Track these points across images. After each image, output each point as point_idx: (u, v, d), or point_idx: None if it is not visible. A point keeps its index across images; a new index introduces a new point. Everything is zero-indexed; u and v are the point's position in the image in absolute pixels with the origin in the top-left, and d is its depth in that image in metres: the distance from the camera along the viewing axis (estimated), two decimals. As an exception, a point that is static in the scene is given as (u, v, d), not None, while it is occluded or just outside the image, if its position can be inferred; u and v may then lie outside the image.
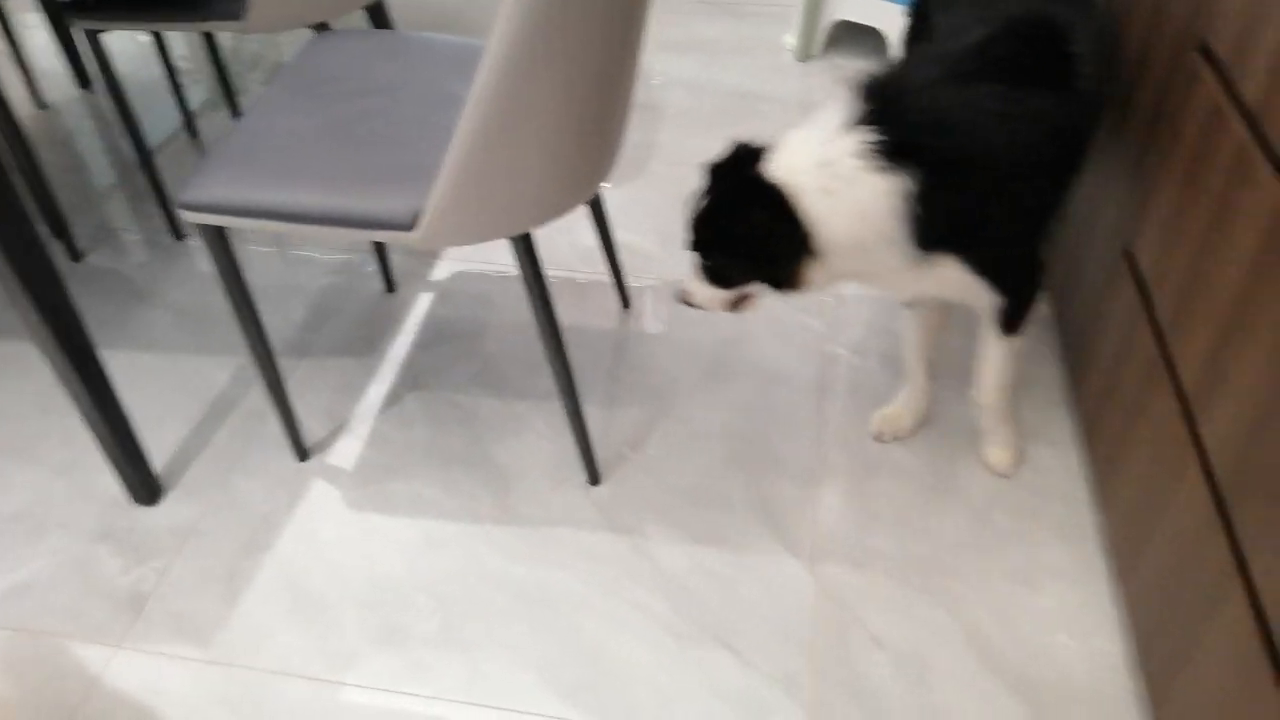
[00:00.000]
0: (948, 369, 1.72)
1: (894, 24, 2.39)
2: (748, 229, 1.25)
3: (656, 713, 1.26)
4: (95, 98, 2.53)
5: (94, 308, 1.88)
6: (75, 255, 2.01)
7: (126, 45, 2.72)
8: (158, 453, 1.59)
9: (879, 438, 1.61)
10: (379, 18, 1.83)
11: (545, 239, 1.97)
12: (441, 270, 1.96)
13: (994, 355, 1.45)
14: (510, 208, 1.25)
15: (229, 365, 1.76)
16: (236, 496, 1.53)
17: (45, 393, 1.70)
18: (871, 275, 1.32)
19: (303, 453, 1.59)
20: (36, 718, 1.26)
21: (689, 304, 1.37)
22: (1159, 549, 1.16)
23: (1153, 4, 1.34)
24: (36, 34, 2.73)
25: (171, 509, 1.52)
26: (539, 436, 1.62)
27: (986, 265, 1.29)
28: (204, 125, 2.40)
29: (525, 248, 1.32)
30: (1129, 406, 1.30)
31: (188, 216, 1.29)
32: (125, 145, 2.36)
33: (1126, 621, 1.35)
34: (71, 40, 2.49)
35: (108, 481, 1.54)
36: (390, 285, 1.92)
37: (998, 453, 1.56)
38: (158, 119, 2.43)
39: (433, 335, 1.82)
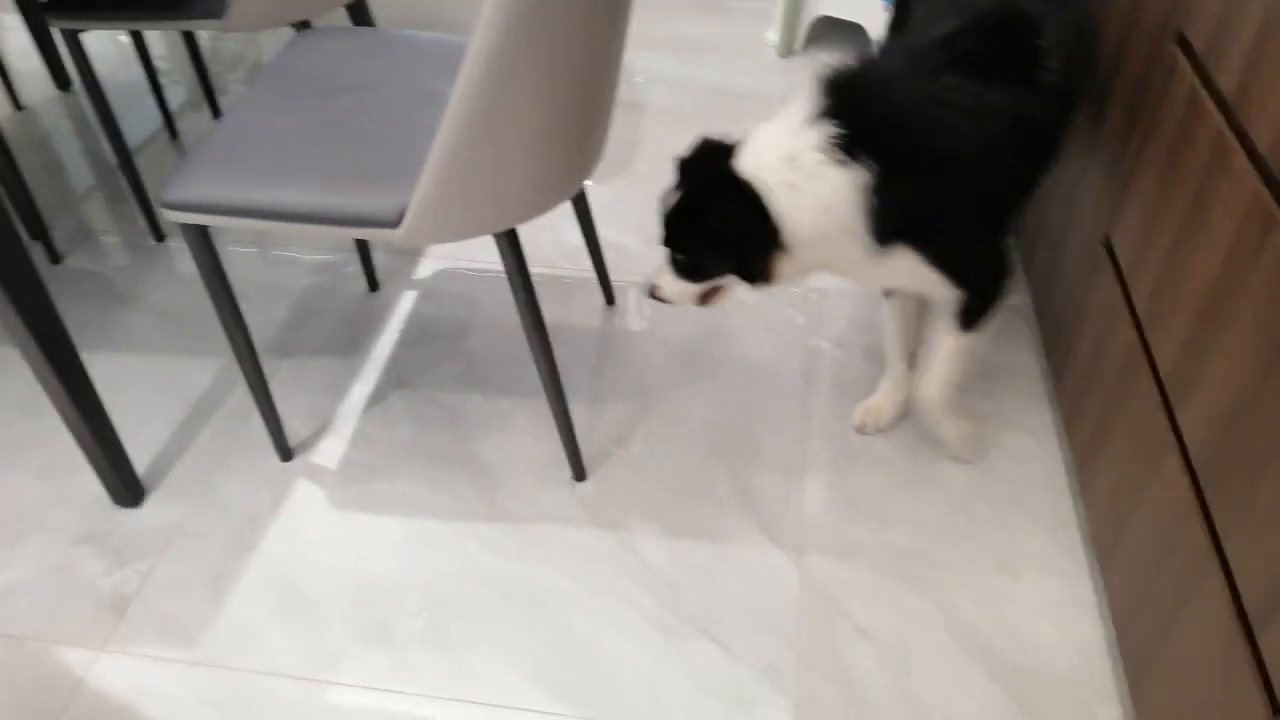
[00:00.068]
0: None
1: (875, 18, 2.40)
2: (719, 223, 1.27)
3: (644, 706, 1.27)
4: (73, 99, 2.51)
5: (74, 310, 1.87)
6: (55, 257, 1.99)
7: (105, 46, 2.70)
8: (140, 455, 1.58)
9: (861, 429, 1.62)
10: (360, 15, 1.82)
11: (529, 237, 1.97)
12: (424, 269, 1.96)
13: (945, 349, 1.45)
14: (495, 204, 1.25)
15: (211, 366, 1.75)
16: (220, 497, 1.53)
17: (24, 396, 1.69)
18: (837, 267, 1.34)
19: (287, 453, 1.59)
20: (21, 721, 1.25)
21: (659, 299, 1.39)
22: (1138, 534, 1.17)
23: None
24: (13, 35, 2.71)
25: (155, 511, 1.51)
26: (524, 434, 1.62)
27: (943, 258, 1.30)
28: (184, 126, 2.39)
29: (510, 244, 1.32)
30: (1108, 394, 1.31)
31: (170, 216, 1.28)
32: (104, 147, 2.34)
33: (1106, 608, 1.36)
34: (50, 41, 2.47)
35: (89, 484, 1.53)
36: (373, 284, 1.91)
37: (957, 445, 1.57)
38: (137, 120, 2.41)
39: (416, 334, 1.81)
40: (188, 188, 1.27)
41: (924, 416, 1.55)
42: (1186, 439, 1.07)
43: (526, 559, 1.44)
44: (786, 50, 2.59)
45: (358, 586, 1.40)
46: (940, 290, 1.36)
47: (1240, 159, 1.00)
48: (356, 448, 1.60)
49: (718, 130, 1.33)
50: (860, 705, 1.27)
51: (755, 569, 1.42)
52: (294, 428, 1.63)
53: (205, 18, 1.72)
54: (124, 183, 2.20)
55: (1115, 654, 1.31)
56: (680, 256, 1.33)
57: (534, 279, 1.38)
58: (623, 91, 2.44)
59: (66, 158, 2.31)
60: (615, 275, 1.88)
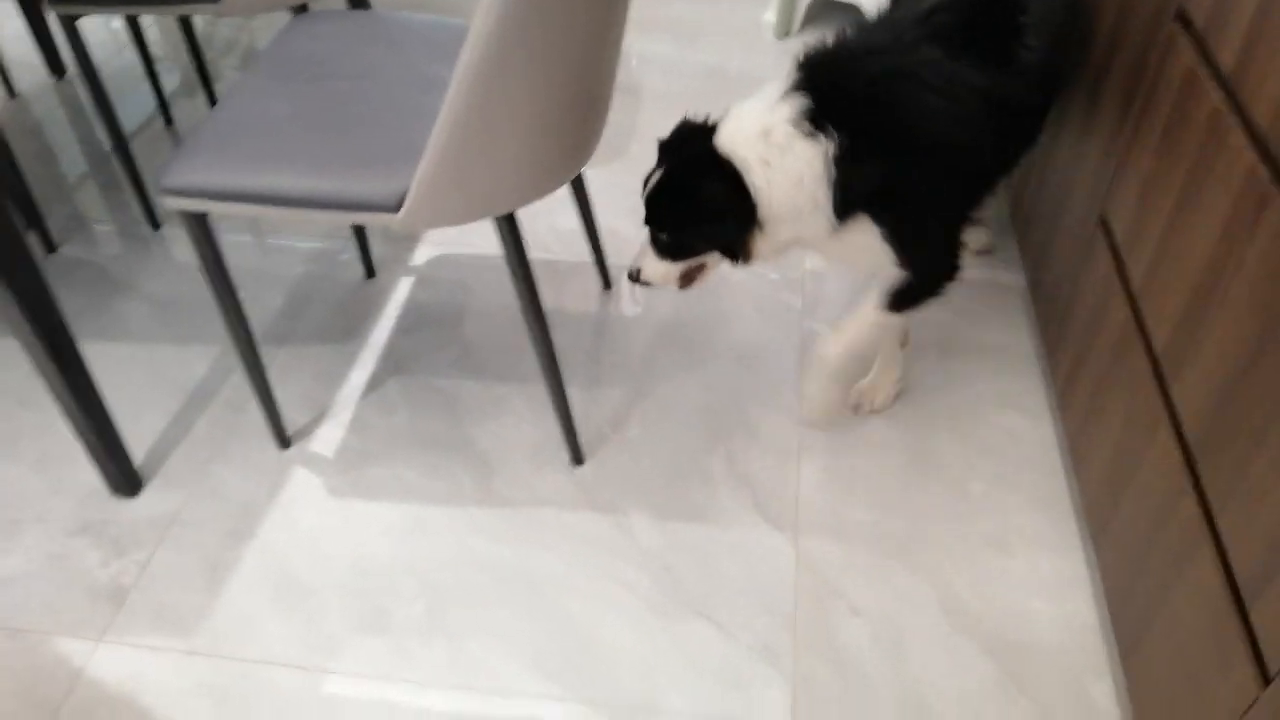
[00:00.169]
0: (924, 342, 1.73)
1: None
2: (701, 200, 1.29)
3: (641, 688, 1.27)
4: (66, 86, 2.50)
5: (69, 299, 1.87)
6: (50, 246, 1.99)
7: (99, 32, 2.69)
8: (136, 444, 1.59)
9: (856, 410, 1.62)
10: (356, -2, 1.81)
11: (525, 222, 1.96)
12: (420, 255, 1.96)
13: (863, 319, 1.45)
14: (494, 188, 1.24)
15: (207, 355, 1.75)
16: (217, 486, 1.53)
17: (20, 387, 1.69)
18: (807, 241, 1.35)
19: (284, 440, 1.59)
20: (20, 714, 1.26)
21: (641, 282, 1.40)
22: (1131, 509, 1.17)
23: (1128, -28, 1.34)
24: (7, 22, 2.70)
25: (152, 500, 1.51)
26: (520, 419, 1.62)
27: (898, 233, 1.31)
28: (178, 112, 2.38)
29: (509, 228, 1.32)
30: (1102, 371, 1.31)
31: (169, 202, 1.27)
32: (98, 134, 2.34)
33: (1099, 584, 1.36)
34: (44, 28, 2.46)
35: (85, 475, 1.53)
36: (370, 271, 1.91)
37: (810, 403, 1.57)
38: (131, 107, 2.40)
39: (413, 320, 1.81)
40: (186, 174, 1.26)
41: (812, 368, 1.55)
42: (1180, 414, 1.07)
43: (523, 544, 1.44)
44: (784, 31, 2.58)
45: (355, 574, 1.41)
46: (886, 267, 1.37)
47: (1238, 136, 0.99)
48: (354, 434, 1.61)
49: (708, 112, 1.33)
50: (856, 683, 1.27)
51: (751, 550, 1.42)
52: (291, 415, 1.63)
53: (202, 2, 1.71)
54: (119, 170, 2.20)
55: (1108, 629, 1.32)
56: (663, 236, 1.35)
57: (530, 264, 1.38)
58: (619, 75, 2.42)
59: (61, 146, 2.31)
60: (611, 260, 1.87)
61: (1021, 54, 1.31)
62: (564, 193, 1.71)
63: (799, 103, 1.24)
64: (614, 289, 1.86)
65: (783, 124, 1.24)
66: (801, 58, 1.28)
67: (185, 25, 2.29)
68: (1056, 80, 1.48)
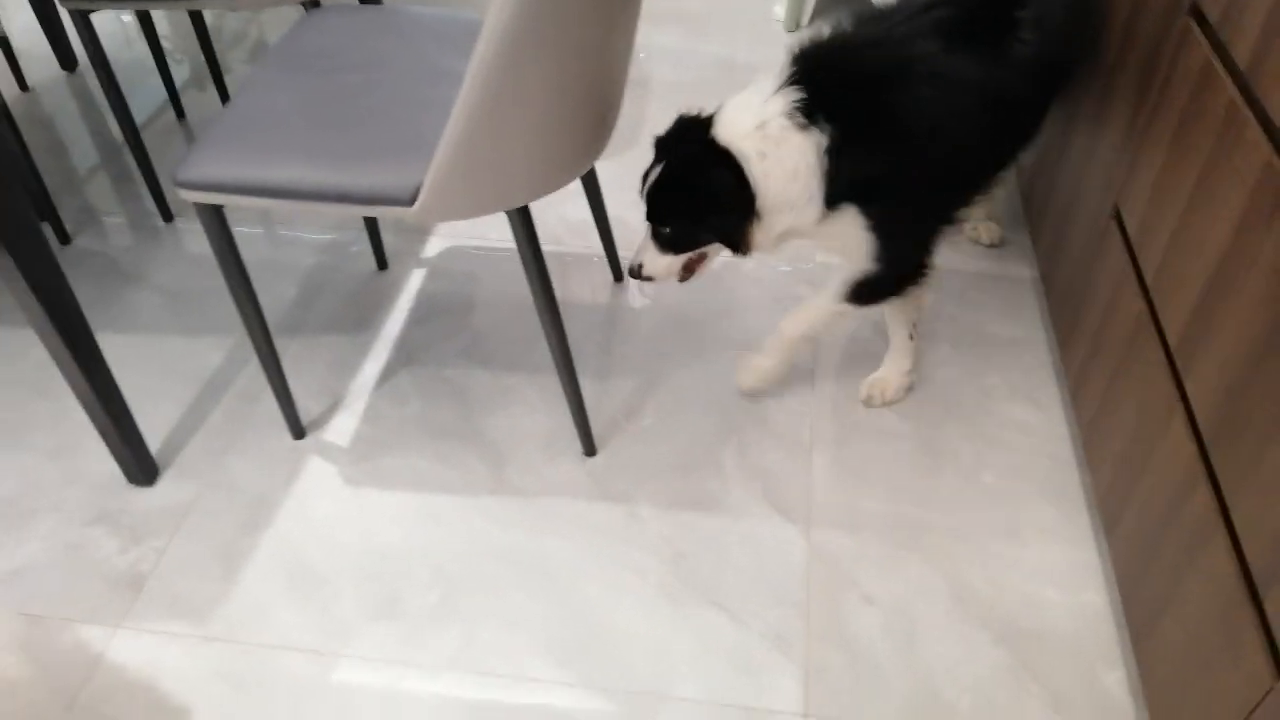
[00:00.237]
0: (935, 334, 1.74)
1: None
2: (707, 192, 1.31)
3: (654, 675, 1.28)
4: (77, 80, 2.51)
5: (83, 290, 1.84)
6: (63, 238, 2.00)
7: (109, 25, 2.70)
8: (152, 434, 1.59)
9: (868, 403, 1.62)
10: (367, -8, 1.81)
11: (535, 213, 1.97)
12: (432, 247, 1.97)
13: (822, 305, 1.48)
14: (508, 181, 1.25)
15: (220, 346, 1.76)
16: (233, 475, 1.54)
17: (33, 376, 1.70)
18: (801, 231, 1.37)
19: (299, 431, 1.60)
20: (42, 698, 1.27)
21: (643, 277, 1.42)
22: (1143, 500, 1.18)
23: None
24: (18, 15, 2.70)
25: (167, 490, 1.52)
26: (532, 409, 1.63)
27: (878, 224, 1.34)
28: (189, 105, 2.39)
29: (522, 221, 1.32)
30: (1115, 363, 1.31)
31: (186, 195, 1.28)
32: (110, 127, 2.34)
33: (1111, 573, 1.37)
34: (56, 21, 2.46)
35: (99, 464, 1.54)
36: (382, 263, 1.92)
37: (755, 372, 1.59)
38: (141, 100, 2.41)
39: (425, 311, 1.82)
40: (202, 167, 1.27)
41: (772, 338, 1.57)
42: (1194, 406, 1.07)
43: (536, 532, 1.45)
44: (794, 24, 2.58)
45: (369, 561, 1.42)
46: (859, 258, 1.39)
47: (1253, 130, 0.99)
48: (367, 424, 1.61)
49: (701, 107, 1.35)
50: (869, 671, 1.28)
51: (763, 540, 1.43)
52: (305, 405, 1.64)
53: (215, -5, 1.72)
54: (131, 163, 2.21)
55: (1120, 618, 1.32)
56: (666, 230, 1.37)
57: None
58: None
59: (73, 138, 2.32)
60: (622, 251, 1.88)
61: (1017, 49, 1.33)
62: (574, 184, 1.71)
63: (793, 96, 1.26)
64: (624, 280, 1.87)
65: (778, 117, 1.27)
66: (796, 51, 1.31)
67: (196, 18, 2.30)
68: (1056, 77, 1.49)
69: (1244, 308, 0.98)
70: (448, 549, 1.43)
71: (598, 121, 1.32)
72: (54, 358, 1.36)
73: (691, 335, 1.76)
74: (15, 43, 2.55)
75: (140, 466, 1.51)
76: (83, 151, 2.27)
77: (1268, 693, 0.89)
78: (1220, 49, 1.10)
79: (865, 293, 1.44)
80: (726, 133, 1.29)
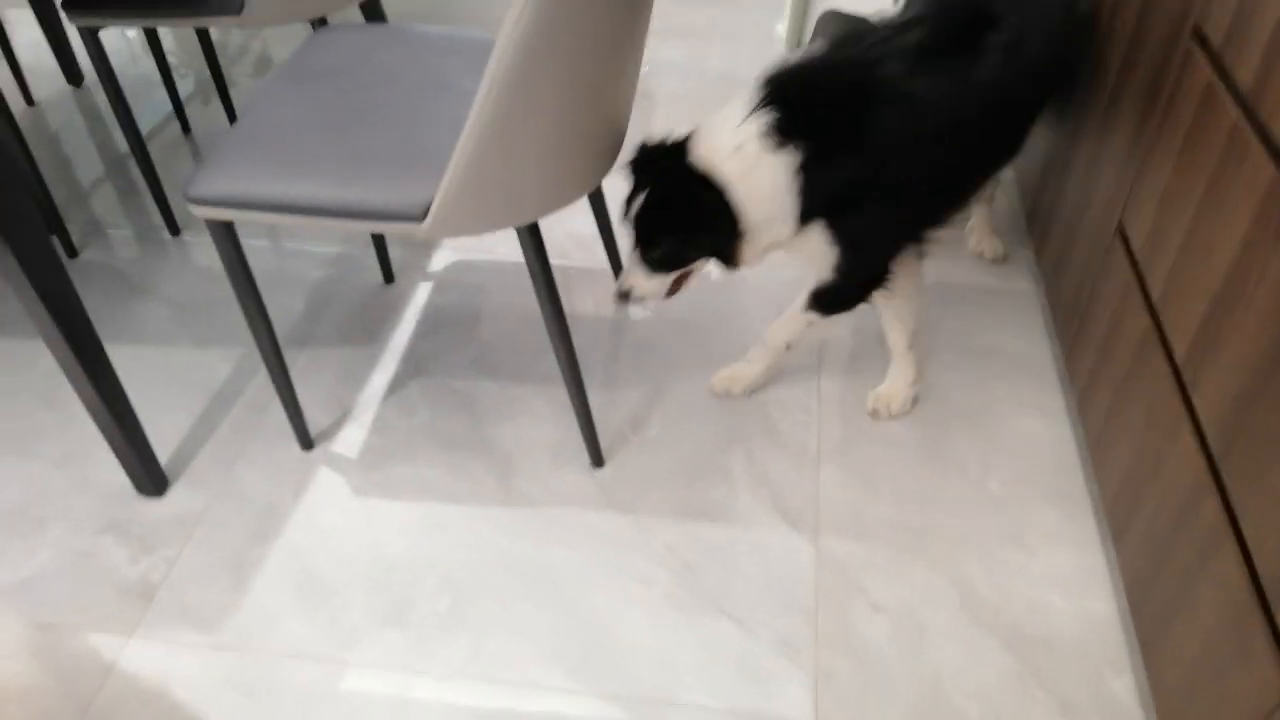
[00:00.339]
0: (941, 346, 1.75)
1: (882, 11, 2.40)
2: (698, 214, 1.35)
3: (661, 682, 1.29)
4: (83, 94, 2.53)
5: (91, 303, 1.87)
6: (71, 251, 2.01)
7: (114, 40, 2.72)
8: (161, 445, 1.60)
9: (874, 416, 1.64)
10: (373, 11, 1.83)
11: (543, 228, 1.99)
12: (438, 260, 1.98)
13: (793, 315, 1.54)
14: (520, 198, 1.26)
15: (228, 358, 1.77)
16: (242, 486, 1.55)
17: (41, 386, 1.71)
18: (781, 245, 1.42)
19: (308, 442, 1.60)
20: (55, 706, 1.27)
21: (630, 298, 1.46)
22: (1151, 510, 1.19)
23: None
24: (23, 30, 2.72)
25: (176, 500, 1.53)
26: (540, 419, 1.64)
27: (842, 237, 1.38)
28: (194, 119, 2.40)
29: (531, 237, 1.34)
30: (1122, 377, 1.32)
31: (196, 211, 1.29)
32: (115, 142, 2.36)
33: (1118, 581, 1.38)
34: (62, 36, 2.48)
35: (108, 474, 1.55)
36: (389, 276, 1.93)
37: (737, 378, 1.66)
38: (146, 114, 2.43)
39: (432, 323, 1.83)
40: (213, 183, 1.28)
41: (756, 348, 1.63)
42: (1202, 420, 1.08)
43: (544, 542, 1.46)
44: (795, 42, 2.60)
45: (377, 571, 1.42)
46: (822, 270, 1.44)
47: (1258, 150, 1.01)
48: (376, 435, 1.62)
49: (658, 131, 1.40)
50: (877, 678, 1.29)
51: (771, 548, 1.44)
52: (313, 416, 1.65)
53: (223, 13, 1.73)
54: (137, 176, 2.22)
55: (1128, 625, 1.33)
56: (656, 252, 1.40)
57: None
58: (630, 82, 2.45)
59: (79, 152, 2.33)
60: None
61: (986, 72, 1.35)
62: (584, 197, 1.73)
63: (766, 118, 1.30)
64: (630, 293, 1.88)
65: (752, 140, 1.31)
66: (767, 74, 1.35)
67: (202, 34, 2.32)
68: (1029, 102, 1.52)
69: (1252, 324, 0.99)
70: (456, 558, 1.44)
71: (607, 137, 1.34)
72: (63, 367, 1.37)
73: (697, 345, 1.77)
74: (21, 58, 2.57)
75: (150, 477, 1.52)
76: (89, 165, 2.29)
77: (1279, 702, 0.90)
78: (1223, 71, 1.12)
79: (827, 302, 1.50)
80: (707, 156, 1.33)
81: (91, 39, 1.82)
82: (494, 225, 1.28)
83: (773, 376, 1.68)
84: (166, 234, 2.06)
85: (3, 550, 1.46)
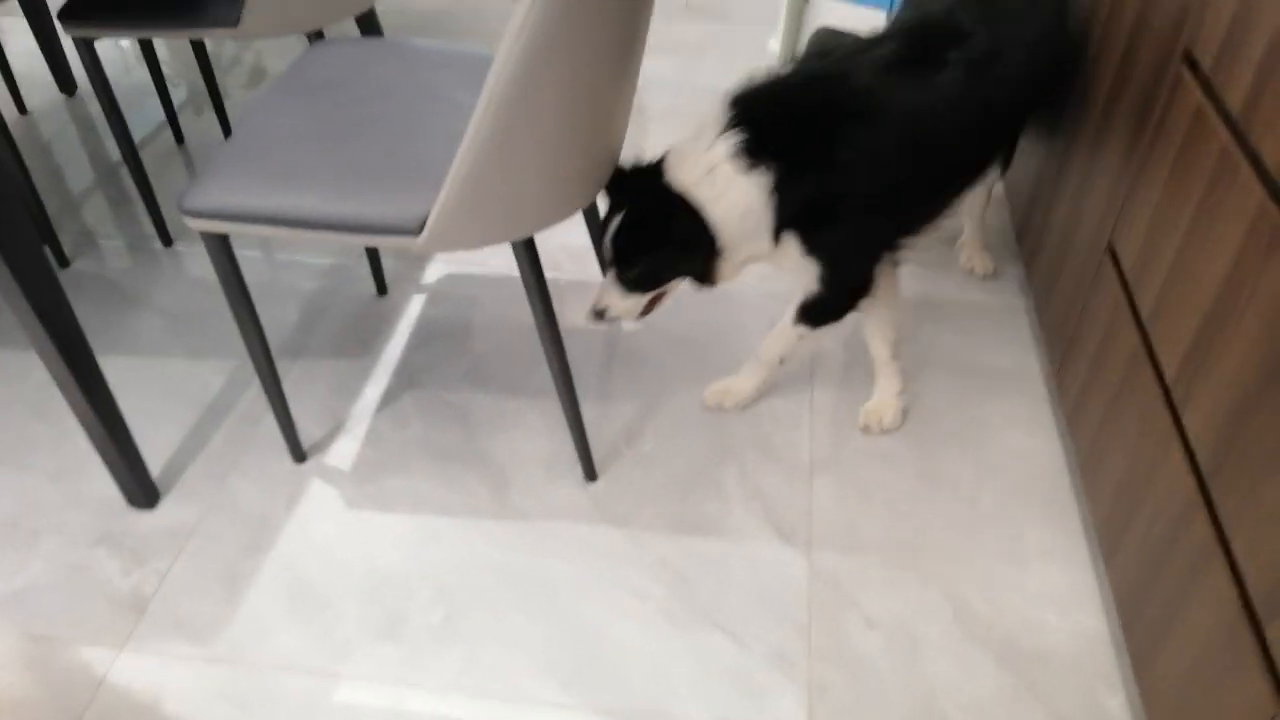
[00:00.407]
0: (931, 362, 1.76)
1: (875, 28, 2.42)
2: (674, 236, 1.37)
3: (656, 696, 1.29)
4: (76, 103, 2.52)
5: (83, 314, 1.88)
6: (62, 261, 2.01)
7: (109, 51, 2.72)
8: (153, 457, 1.60)
9: (866, 431, 1.65)
10: (368, 26, 1.84)
11: (537, 242, 1.99)
12: (431, 273, 1.98)
13: (781, 329, 1.56)
14: (517, 212, 1.27)
15: (221, 369, 1.77)
16: (234, 498, 1.54)
17: (33, 398, 1.70)
18: (759, 258, 1.44)
19: (300, 454, 1.60)
20: (47, 718, 1.26)
21: (605, 317, 1.47)
22: (1142, 528, 1.20)
23: (1136, 15, 1.38)
24: (16, 39, 2.72)
25: (169, 512, 1.52)
26: (534, 432, 1.64)
27: (817, 249, 1.41)
28: (188, 130, 2.40)
29: (527, 251, 1.34)
30: (1112, 395, 1.33)
31: (192, 223, 1.29)
32: (108, 152, 2.36)
33: (1110, 597, 1.39)
34: (56, 46, 2.48)
35: (100, 486, 1.54)
36: (382, 288, 1.93)
37: (729, 393, 1.67)
38: (139, 124, 2.43)
39: (425, 336, 1.83)
40: (209, 195, 1.28)
41: (750, 363, 1.65)
42: (1191, 440, 1.09)
43: (538, 554, 1.46)
44: (788, 58, 2.62)
45: (371, 583, 1.42)
46: (805, 281, 1.46)
47: (1247, 173, 1.02)
48: (369, 447, 1.62)
49: (637, 154, 1.42)
50: (870, 692, 1.29)
51: (764, 562, 1.44)
52: (306, 428, 1.65)
53: (219, 25, 1.74)
54: (130, 186, 2.22)
55: (1119, 642, 1.34)
56: (631, 273, 1.42)
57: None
58: (624, 96, 2.46)
59: (72, 162, 2.33)
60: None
61: (951, 88, 1.37)
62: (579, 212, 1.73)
63: (735, 139, 1.33)
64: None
65: (723, 162, 1.33)
66: (733, 95, 1.37)
67: (197, 45, 2.32)
68: (1004, 119, 1.54)
69: (1242, 345, 1.00)
70: (449, 571, 1.44)
71: (604, 151, 1.34)
72: (55, 379, 1.36)
73: (690, 358, 1.78)
74: (15, 66, 2.57)
75: (141, 489, 1.51)
76: (81, 175, 2.28)
77: (1271, 719, 0.91)
78: (1213, 95, 1.13)
79: (815, 314, 1.51)
80: (680, 179, 1.35)
81: (87, 49, 1.82)
82: (490, 240, 1.28)
83: (766, 391, 1.69)
84: (159, 244, 2.06)
85: (-7, 562, 1.45)
